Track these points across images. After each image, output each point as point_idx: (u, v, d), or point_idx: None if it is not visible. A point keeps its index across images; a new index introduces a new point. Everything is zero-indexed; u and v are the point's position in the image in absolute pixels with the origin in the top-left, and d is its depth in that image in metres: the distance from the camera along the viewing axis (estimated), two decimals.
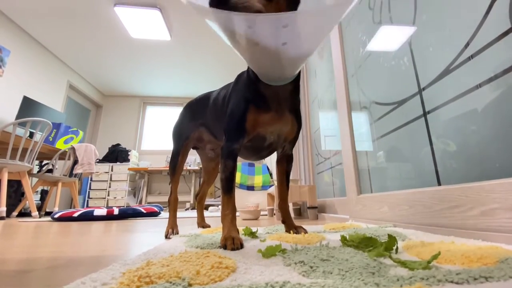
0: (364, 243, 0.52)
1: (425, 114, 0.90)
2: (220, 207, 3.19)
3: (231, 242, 0.60)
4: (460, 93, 0.75)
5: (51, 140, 3.29)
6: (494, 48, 0.64)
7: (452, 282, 0.30)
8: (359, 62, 1.39)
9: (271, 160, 3.65)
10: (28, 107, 3.24)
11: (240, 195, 3.04)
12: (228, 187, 0.70)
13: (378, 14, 1.22)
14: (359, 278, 0.33)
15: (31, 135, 2.73)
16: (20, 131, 2.55)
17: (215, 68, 4.91)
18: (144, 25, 3.75)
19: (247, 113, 0.69)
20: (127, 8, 3.41)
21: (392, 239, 0.49)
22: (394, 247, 0.49)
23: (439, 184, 0.81)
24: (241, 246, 0.60)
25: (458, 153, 0.76)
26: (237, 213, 2.67)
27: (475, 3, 0.70)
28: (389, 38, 1.16)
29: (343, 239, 0.57)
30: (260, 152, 0.83)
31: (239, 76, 0.83)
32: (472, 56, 0.71)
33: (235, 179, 0.72)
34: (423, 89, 0.91)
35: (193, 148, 1.18)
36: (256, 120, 0.70)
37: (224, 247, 0.60)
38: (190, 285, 0.34)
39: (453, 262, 0.39)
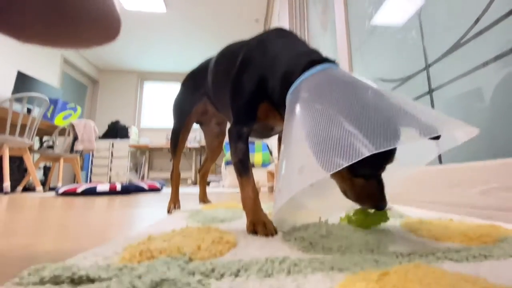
0: (363, 215, 0.52)
1: (430, 91, 0.87)
2: (220, 182, 3.21)
3: (263, 227, 0.51)
4: (467, 71, 0.72)
5: (49, 116, 3.26)
6: (503, 24, 0.61)
7: (451, 259, 0.30)
8: (364, 36, 1.33)
9: (270, 138, 3.64)
10: (23, 82, 3.17)
11: None
12: (245, 168, 0.61)
13: None
14: (358, 254, 0.34)
15: (29, 111, 2.69)
16: (17, 107, 2.52)
17: (213, 41, 4.73)
18: None
19: (259, 105, 0.62)
20: None
21: (383, 213, 0.50)
22: (389, 221, 0.50)
23: (441, 162, 0.80)
24: (276, 232, 0.51)
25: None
26: (238, 189, 2.71)
27: None
28: (398, 10, 1.09)
29: (348, 218, 0.56)
30: (263, 135, 0.80)
31: (263, 49, 0.65)
32: (481, 32, 0.67)
33: (249, 158, 0.64)
34: (430, 65, 0.87)
35: (197, 122, 1.09)
36: (266, 114, 0.64)
37: (254, 232, 0.51)
38: (191, 259, 0.35)
39: (452, 240, 0.39)
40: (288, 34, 0.68)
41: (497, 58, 0.62)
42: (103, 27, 0.38)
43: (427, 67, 0.89)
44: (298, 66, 0.52)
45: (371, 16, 1.27)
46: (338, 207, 0.63)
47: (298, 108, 0.43)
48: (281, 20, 2.78)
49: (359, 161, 0.34)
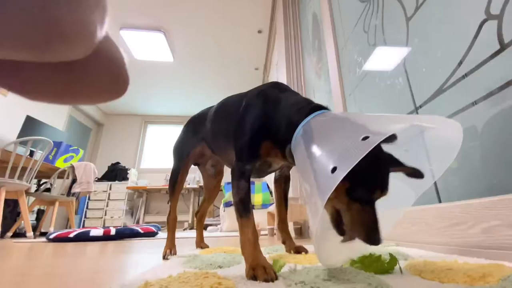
0: (368, 261, 0.51)
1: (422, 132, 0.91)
2: (219, 226, 3.10)
3: (263, 272, 0.49)
4: (457, 110, 0.76)
5: (51, 158, 3.29)
6: (487, 66, 0.67)
7: None
8: (356, 82, 1.43)
9: (271, 178, 3.62)
10: (30, 126, 3.28)
11: None
12: (245, 209, 0.61)
13: (372, 37, 1.27)
14: None
15: (31, 153, 2.73)
16: (21, 150, 2.56)
17: (216, 87, 5.02)
18: (148, 48, 3.89)
19: (262, 143, 0.66)
20: (132, 31, 3.55)
21: (393, 259, 0.49)
22: (396, 267, 0.48)
23: (440, 201, 0.80)
24: (276, 277, 0.49)
25: (458, 170, 0.76)
26: (237, 233, 2.60)
27: (465, 26, 0.74)
28: (384, 59, 1.20)
29: (351, 261, 0.55)
30: (260, 173, 0.82)
31: (263, 97, 0.73)
32: (466, 74, 0.73)
33: (251, 199, 0.64)
34: (419, 107, 0.93)
35: (194, 164, 1.15)
36: (268, 152, 0.67)
37: (253, 277, 0.49)
38: None
39: (455, 281, 0.38)
40: (284, 86, 0.78)
41: (487, 97, 0.67)
42: (113, 89, 0.40)
43: (416, 109, 0.94)
44: (302, 111, 0.59)
45: (361, 65, 1.38)
46: (346, 251, 0.61)
47: (309, 137, 0.52)
48: (279, 69, 3.00)
49: (357, 179, 0.43)
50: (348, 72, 1.52)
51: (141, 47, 3.85)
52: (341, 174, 0.37)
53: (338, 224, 0.49)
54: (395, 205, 0.56)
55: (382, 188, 0.46)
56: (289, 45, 2.80)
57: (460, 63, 0.75)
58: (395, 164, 0.50)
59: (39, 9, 0.24)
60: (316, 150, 0.47)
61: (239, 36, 3.84)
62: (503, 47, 0.62)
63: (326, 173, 0.40)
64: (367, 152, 0.36)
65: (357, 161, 0.36)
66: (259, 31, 3.79)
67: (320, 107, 0.60)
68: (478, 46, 0.69)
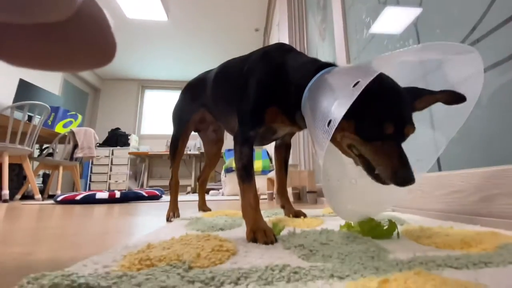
0: (368, 227, 0.52)
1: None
2: (220, 190, 3.19)
3: (263, 235, 0.50)
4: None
5: (50, 124, 3.27)
6: (499, 33, 0.62)
7: (451, 267, 0.30)
8: (362, 44, 1.35)
9: (271, 146, 3.65)
10: (25, 90, 3.20)
11: None
12: (248, 175, 0.61)
13: None
14: (358, 262, 0.34)
15: (30, 118, 2.71)
16: (18, 114, 2.53)
17: (214, 50, 4.79)
18: (140, 4, 3.62)
19: (268, 109, 0.64)
20: None
21: (392, 224, 0.50)
22: (395, 232, 0.49)
23: (440, 169, 0.80)
24: (275, 239, 0.50)
25: (460, 139, 0.75)
26: (237, 197, 2.71)
27: None
28: (395, 19, 1.11)
29: (348, 225, 0.56)
30: (264, 141, 0.81)
31: (268, 59, 0.70)
32: (478, 40, 0.68)
33: (253, 165, 0.64)
34: (429, 72, 0.89)
35: (195, 131, 1.13)
36: (274, 118, 0.66)
37: (253, 240, 0.50)
38: (190, 267, 0.34)
39: (452, 247, 0.39)
40: (289, 47, 0.72)
41: (495, 65, 0.63)
42: (99, 53, 0.38)
43: (426, 74, 0.90)
44: (308, 73, 0.57)
45: (369, 26, 1.29)
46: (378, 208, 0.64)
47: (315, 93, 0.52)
48: (281, 30, 2.83)
49: (365, 119, 0.43)
50: (355, 33, 1.43)
51: (132, 3, 3.58)
52: (337, 117, 0.38)
53: (370, 170, 0.47)
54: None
55: (394, 120, 0.43)
56: (292, 3, 2.60)
57: (474, 28, 0.69)
58: (420, 94, 0.47)
59: None
60: (317, 107, 0.46)
61: None
62: None
63: (323, 126, 0.40)
64: (356, 96, 0.36)
65: (348, 106, 0.36)
66: None
67: (326, 65, 0.58)
68: (494, 10, 0.63)
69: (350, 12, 1.49)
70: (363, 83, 0.36)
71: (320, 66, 0.58)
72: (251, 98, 0.65)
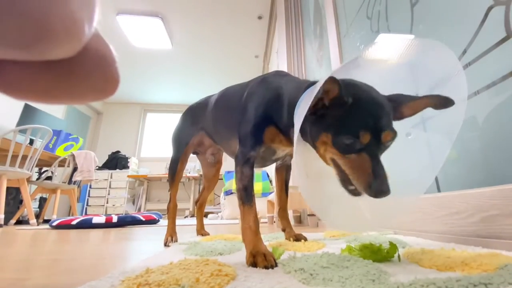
0: (369, 251, 0.52)
1: (423, 121, 0.91)
2: (219, 214, 3.12)
3: (263, 259, 0.49)
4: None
5: (51, 147, 3.29)
6: (491, 55, 0.66)
7: None
8: None
9: (271, 168, 3.64)
10: (29, 114, 3.26)
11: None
12: (248, 197, 0.61)
13: (376, 23, 1.24)
14: (359, 285, 0.33)
15: (31, 142, 2.73)
16: (20, 138, 2.55)
17: (215, 75, 4.96)
18: (146, 34, 3.81)
19: (266, 128, 0.66)
20: (129, 17, 3.46)
21: (393, 247, 0.49)
22: (396, 254, 0.49)
23: (439, 190, 0.81)
24: (275, 263, 0.49)
25: (457, 160, 0.76)
26: (237, 221, 2.65)
27: (471, 12, 0.72)
28: (387, 46, 1.17)
29: (349, 249, 0.56)
30: (265, 162, 0.82)
31: (266, 84, 0.73)
32: (469, 64, 0.72)
33: (254, 187, 0.65)
34: None
35: (193, 153, 1.15)
36: (273, 138, 0.68)
37: (253, 265, 0.50)
38: None
39: (453, 269, 0.39)
40: (285, 73, 0.77)
41: (489, 86, 0.66)
42: (101, 88, 0.38)
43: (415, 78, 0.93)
44: (300, 90, 0.58)
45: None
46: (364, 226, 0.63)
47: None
48: (280, 56, 2.95)
49: (341, 132, 0.44)
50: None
51: (138, 33, 3.77)
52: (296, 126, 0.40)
53: (345, 184, 0.47)
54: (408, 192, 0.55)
55: (369, 128, 0.43)
56: (290, 32, 2.74)
57: (465, 51, 0.73)
58: (406, 101, 0.47)
59: (25, 4, 0.22)
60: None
61: (238, 23, 3.75)
62: (509, 34, 0.61)
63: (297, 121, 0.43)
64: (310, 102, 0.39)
65: (303, 115, 0.39)
66: (259, 17, 3.70)
67: (312, 84, 0.59)
68: (483, 34, 0.68)
69: (345, 40, 1.57)
70: (318, 84, 0.39)
71: (311, 83, 0.59)
72: (251, 120, 0.67)
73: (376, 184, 0.41)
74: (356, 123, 0.44)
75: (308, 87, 0.58)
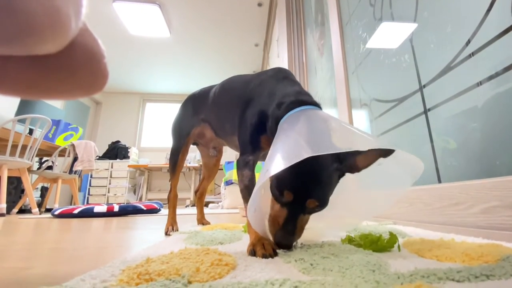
0: (369, 241, 0.52)
1: (425, 111, 0.90)
2: (220, 203, 3.15)
3: (261, 247, 0.50)
4: (461, 91, 0.74)
5: (50, 137, 3.28)
6: (495, 45, 0.64)
7: (453, 280, 0.30)
8: (359, 59, 1.38)
9: None
10: (27, 104, 3.23)
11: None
12: (250, 194, 0.62)
13: (379, 11, 1.21)
14: (359, 275, 0.33)
15: (31, 131, 2.72)
16: (19, 128, 2.54)
17: (215, 64, 4.88)
18: (143, 22, 3.73)
19: (261, 137, 0.70)
20: (126, 4, 3.38)
21: (393, 237, 0.49)
22: (396, 245, 0.49)
23: (440, 181, 0.80)
24: (275, 253, 0.50)
25: (458, 151, 0.76)
26: (237, 210, 2.67)
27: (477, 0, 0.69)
28: (390, 34, 1.15)
29: (349, 239, 0.56)
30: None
31: (262, 90, 0.75)
32: (473, 54, 0.70)
33: (255, 184, 0.68)
34: (424, 86, 0.90)
35: (193, 143, 1.13)
36: (268, 145, 0.69)
37: (253, 253, 0.51)
38: (189, 282, 0.34)
39: (453, 259, 0.39)
40: (283, 74, 0.77)
41: (491, 78, 0.65)
42: (90, 83, 0.37)
43: (421, 88, 0.92)
44: (283, 107, 0.62)
45: (365, 41, 1.33)
46: (337, 227, 0.65)
47: (278, 134, 0.56)
48: (280, 45, 2.90)
49: (277, 183, 0.51)
50: (352, 48, 1.47)
51: (136, 21, 3.69)
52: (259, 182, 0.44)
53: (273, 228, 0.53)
54: (392, 186, 0.57)
55: (294, 192, 0.49)
56: (291, 19, 2.68)
57: (468, 42, 0.71)
58: (358, 154, 0.50)
59: None
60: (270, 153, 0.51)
61: (238, 10, 3.66)
62: None
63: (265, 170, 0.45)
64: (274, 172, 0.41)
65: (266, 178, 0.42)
66: (259, 4, 3.61)
67: (299, 103, 0.61)
68: (489, 22, 0.66)
69: (347, 28, 1.54)
70: (303, 155, 0.40)
71: (293, 102, 0.61)
72: (248, 129, 0.72)
73: (279, 236, 0.50)
74: (287, 182, 0.50)
75: (293, 104, 0.60)
